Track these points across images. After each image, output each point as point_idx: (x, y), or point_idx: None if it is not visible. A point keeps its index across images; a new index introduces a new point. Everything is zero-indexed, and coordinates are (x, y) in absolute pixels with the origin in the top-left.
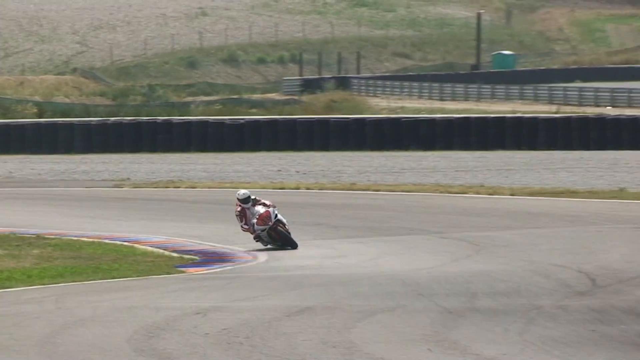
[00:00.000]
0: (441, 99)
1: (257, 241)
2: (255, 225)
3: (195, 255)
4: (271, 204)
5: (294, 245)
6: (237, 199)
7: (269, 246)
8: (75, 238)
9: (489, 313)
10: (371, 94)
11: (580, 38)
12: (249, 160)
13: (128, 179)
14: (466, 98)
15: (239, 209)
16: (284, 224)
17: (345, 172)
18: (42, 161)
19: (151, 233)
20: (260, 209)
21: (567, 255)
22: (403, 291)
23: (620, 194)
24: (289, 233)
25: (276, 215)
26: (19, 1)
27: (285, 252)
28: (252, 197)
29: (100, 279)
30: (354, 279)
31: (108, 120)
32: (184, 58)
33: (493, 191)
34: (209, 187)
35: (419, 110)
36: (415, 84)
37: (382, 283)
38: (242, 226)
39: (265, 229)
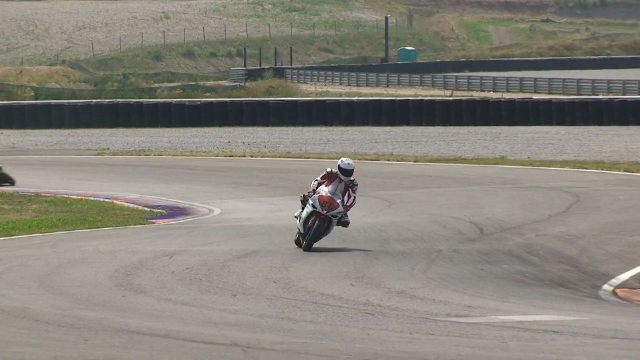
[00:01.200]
0: (357, 85)
1: (301, 200)
2: (315, 196)
3: (162, 209)
4: (352, 203)
5: (306, 246)
6: (339, 165)
7: (297, 223)
8: (66, 196)
9: (398, 255)
10: (302, 81)
11: (468, 37)
12: (204, 133)
13: (108, 148)
14: (377, 84)
15: (333, 170)
16: (328, 227)
17: (281, 144)
18: (39, 135)
19: (127, 191)
20: (337, 196)
21: (460, 209)
22: (330, 238)
23: (501, 160)
24: (318, 238)
25: (334, 216)
26: (18, 6)
27: (234, 205)
28: (353, 177)
29: (87, 228)
30: (290, 228)
31: (91, 102)
32: (151, 52)
33: (400, 158)
34: (172, 155)
35: (340, 94)
36: (336, 73)
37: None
38: (316, 179)
39: (316, 210)
